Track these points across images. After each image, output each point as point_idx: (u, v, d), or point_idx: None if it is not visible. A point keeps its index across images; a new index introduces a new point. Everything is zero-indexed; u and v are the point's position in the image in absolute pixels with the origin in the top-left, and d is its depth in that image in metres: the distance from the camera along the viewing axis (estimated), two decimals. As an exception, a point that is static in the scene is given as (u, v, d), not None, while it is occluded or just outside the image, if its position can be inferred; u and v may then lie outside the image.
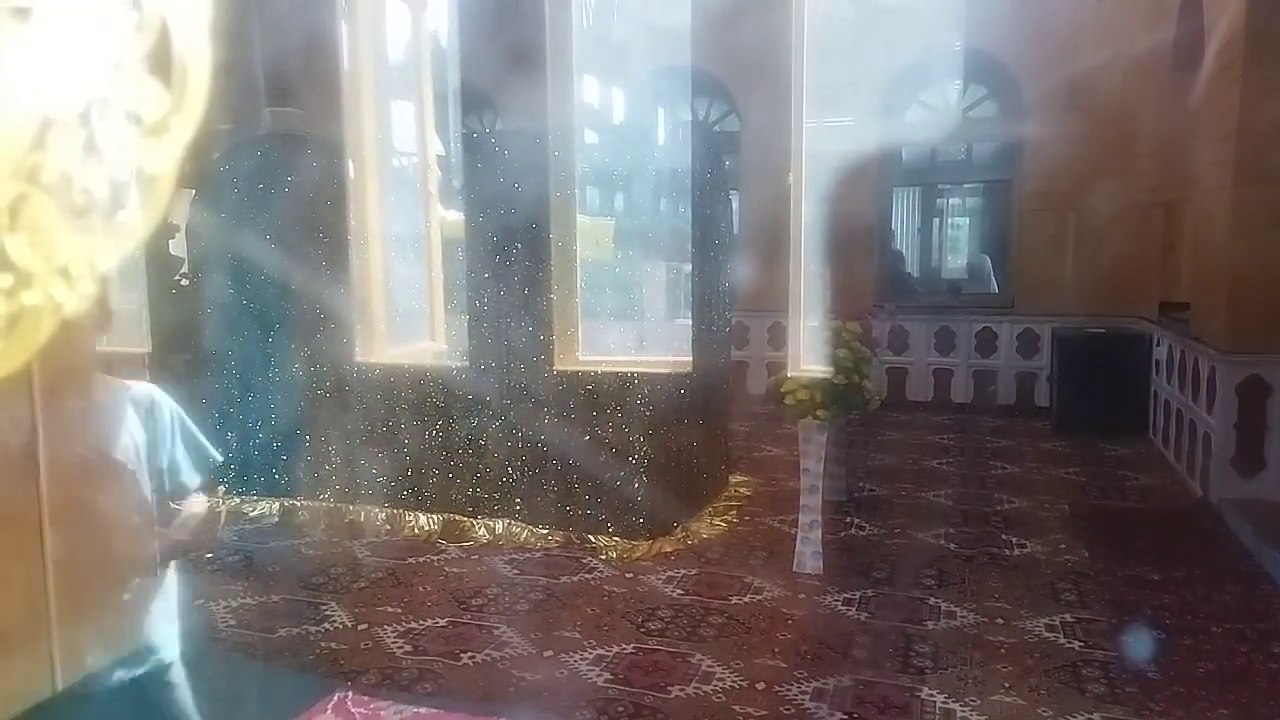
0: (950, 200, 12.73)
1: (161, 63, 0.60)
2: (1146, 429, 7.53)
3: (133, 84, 0.60)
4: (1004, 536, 5.11)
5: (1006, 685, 3.40)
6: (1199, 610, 4.08)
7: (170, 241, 5.99)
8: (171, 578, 2.18)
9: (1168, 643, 3.75)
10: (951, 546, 4.96)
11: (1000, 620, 3.98)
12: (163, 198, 0.63)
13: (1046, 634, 3.83)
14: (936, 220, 12.53)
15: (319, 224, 5.45)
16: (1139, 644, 3.74)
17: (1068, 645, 3.73)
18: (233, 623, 4.02)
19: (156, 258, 5.51)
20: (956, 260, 12.28)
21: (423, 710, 3.05)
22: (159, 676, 3.09)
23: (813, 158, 9.14)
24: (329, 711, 2.93)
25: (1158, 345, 7.42)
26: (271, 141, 6.02)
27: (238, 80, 5.82)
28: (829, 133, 8.98)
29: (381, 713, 2.97)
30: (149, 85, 0.60)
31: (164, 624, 2.31)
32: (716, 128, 9.67)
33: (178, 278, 5.96)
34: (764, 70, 9.07)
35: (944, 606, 4.13)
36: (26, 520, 2.81)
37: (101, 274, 0.66)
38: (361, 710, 2.96)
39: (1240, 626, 3.89)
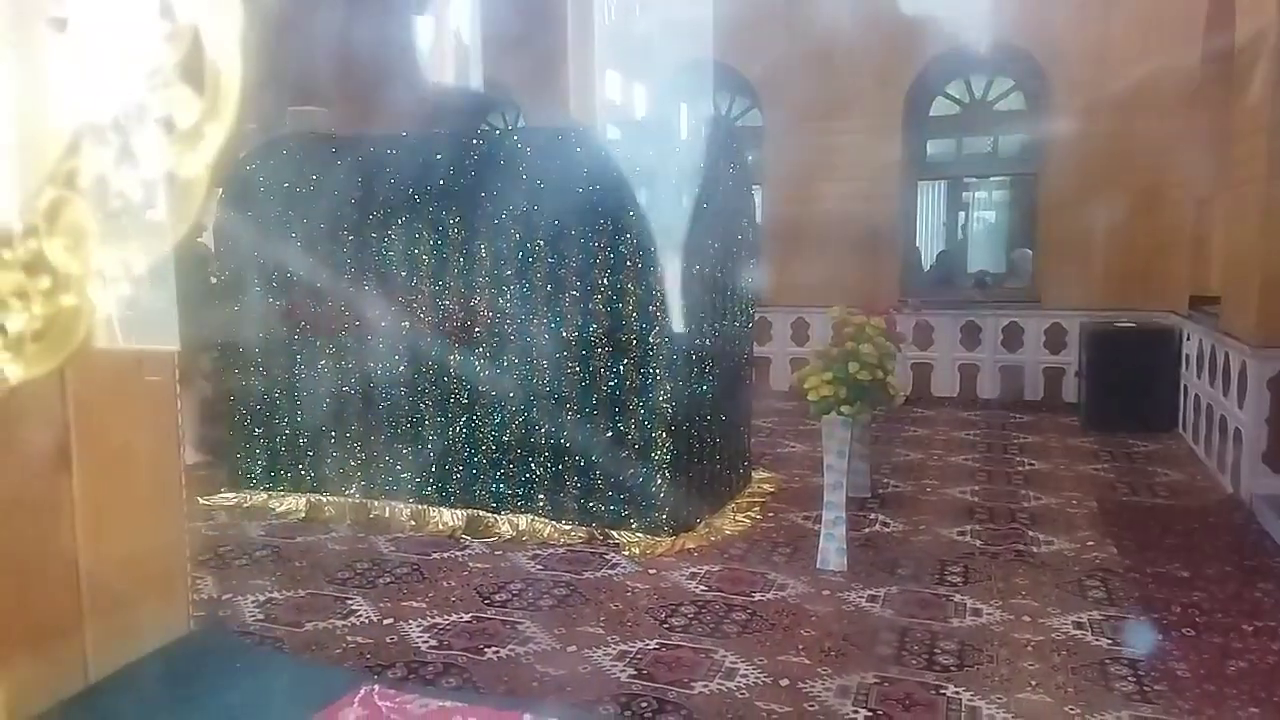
0: (976, 194, 12.61)
1: (194, 70, 0.61)
2: (1176, 424, 7.44)
3: (166, 91, 0.62)
4: (1031, 533, 5.07)
5: (1033, 683, 3.38)
6: (1229, 608, 4.03)
7: (199, 239, 6.07)
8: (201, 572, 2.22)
9: (1197, 640, 3.71)
10: (977, 543, 4.93)
11: (1027, 617, 3.95)
12: (196, 201, 0.64)
13: (1074, 631, 3.80)
14: (962, 214, 12.42)
15: (344, 221, 5.49)
16: (1168, 642, 3.70)
17: (1095, 643, 3.70)
18: (261, 617, 4.06)
19: (186, 256, 5.58)
20: (981, 254, 12.16)
21: (448, 704, 3.07)
22: (189, 669, 3.14)
23: (836, 151, 9.14)
24: (356, 704, 2.96)
25: (1187, 340, 7.33)
26: (296, 140, 6.08)
27: (262, 81, 5.88)
28: (852, 126, 8.95)
29: (408, 706, 2.99)
30: (182, 92, 0.61)
31: (193, 617, 2.36)
32: (739, 123, 9.64)
33: (209, 276, 6.04)
34: (788, 64, 9.05)
35: (970, 604, 4.11)
36: (59, 517, 2.87)
37: (136, 275, 0.67)
38: (388, 703, 2.99)
39: (1272, 624, 3.84)
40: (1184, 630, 3.81)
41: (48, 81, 0.64)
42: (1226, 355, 6.05)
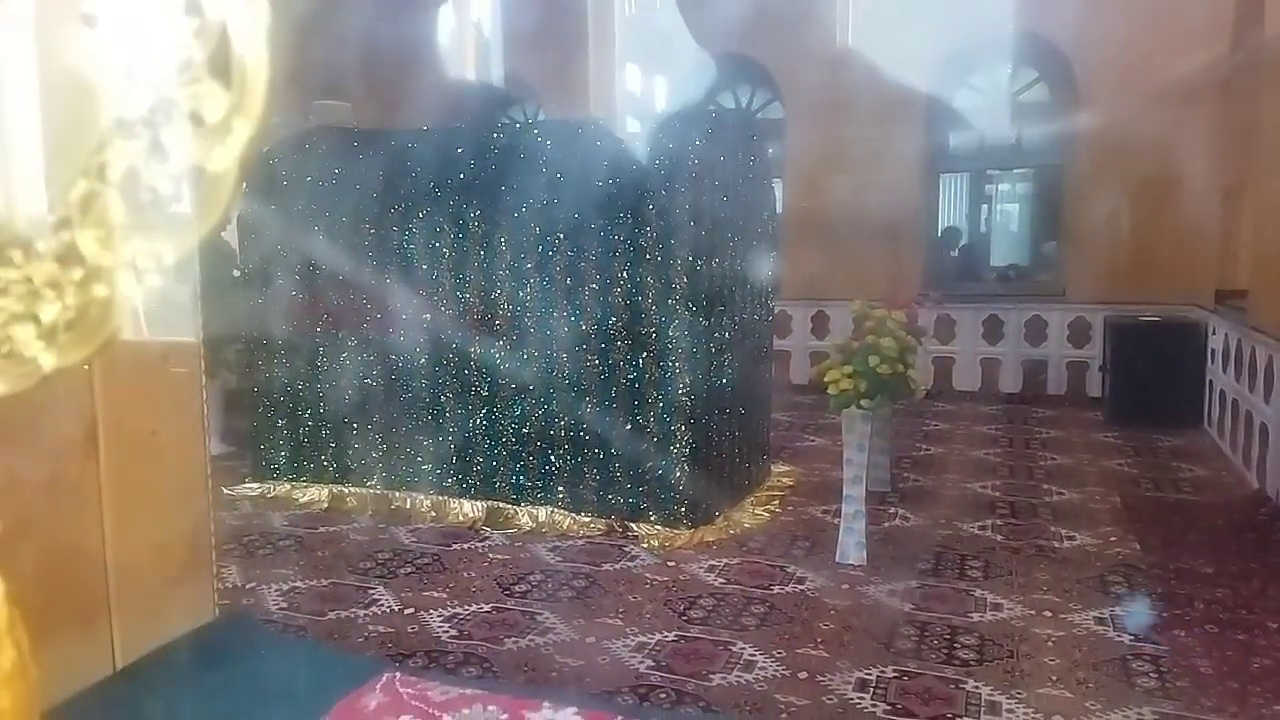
0: (1000, 186, 12.50)
1: (222, 65, 0.63)
2: (1202, 420, 7.36)
3: (194, 86, 0.63)
4: (1053, 528, 5.04)
5: (1054, 678, 3.36)
6: (1254, 604, 3.99)
7: (222, 233, 6.13)
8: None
9: (1221, 637, 3.68)
10: (998, 538, 4.90)
11: (1048, 612, 3.93)
12: (224, 194, 0.66)
13: (1096, 627, 3.78)
14: (985, 206, 12.32)
15: (366, 214, 5.52)
16: (1191, 638, 3.67)
17: (1117, 639, 3.67)
18: (284, 605, 4.12)
19: (210, 250, 5.63)
20: (1004, 246, 12.07)
21: (469, 691, 3.10)
22: (214, 655, 3.19)
23: (857, 143, 9.09)
24: (378, 691, 3.00)
25: (1214, 334, 7.24)
26: (319, 133, 6.12)
27: (288, 76, 5.93)
28: (873, 117, 8.89)
29: (429, 693, 3.02)
30: (210, 87, 0.63)
31: (218, 605, 2.38)
32: (760, 115, 9.60)
33: (233, 269, 6.10)
34: (808, 56, 9.01)
35: (990, 599, 4.09)
36: (87, 504, 2.91)
37: (166, 267, 0.68)
38: (409, 691, 3.02)
39: (1298, 622, 3.80)
40: (1207, 626, 3.78)
41: (79, 77, 0.65)
42: (1254, 350, 5.97)
